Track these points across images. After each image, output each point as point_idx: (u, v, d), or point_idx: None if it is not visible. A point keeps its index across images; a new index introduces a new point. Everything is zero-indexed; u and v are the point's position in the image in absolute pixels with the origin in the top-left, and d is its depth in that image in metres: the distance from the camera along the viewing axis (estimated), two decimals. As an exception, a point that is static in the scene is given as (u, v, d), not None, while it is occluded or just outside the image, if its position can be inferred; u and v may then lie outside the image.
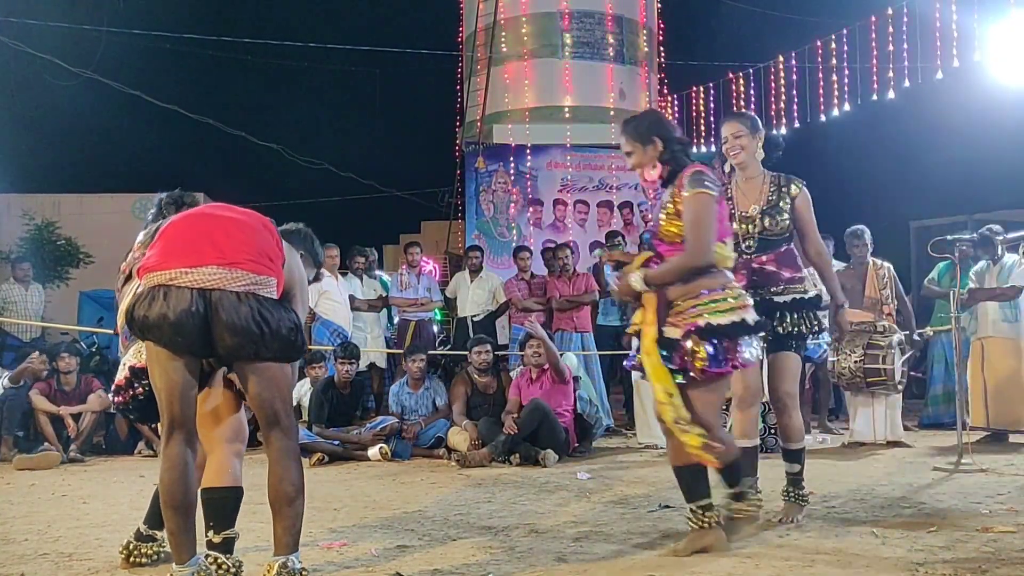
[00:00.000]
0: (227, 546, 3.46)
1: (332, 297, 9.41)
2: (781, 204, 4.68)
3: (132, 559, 3.89)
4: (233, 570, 3.45)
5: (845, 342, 7.58)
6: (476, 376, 7.85)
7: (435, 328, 11.17)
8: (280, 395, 3.34)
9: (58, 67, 15.43)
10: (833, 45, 13.42)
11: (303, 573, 3.38)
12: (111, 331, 10.45)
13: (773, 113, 14.98)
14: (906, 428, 8.26)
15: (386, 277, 10.86)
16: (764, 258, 4.67)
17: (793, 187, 4.71)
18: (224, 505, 3.48)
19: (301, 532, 3.45)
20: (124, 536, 4.37)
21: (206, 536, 3.47)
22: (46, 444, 7.61)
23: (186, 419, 3.30)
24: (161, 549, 3.92)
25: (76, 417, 7.98)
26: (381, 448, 7.49)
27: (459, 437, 7.43)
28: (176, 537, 3.31)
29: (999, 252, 7.85)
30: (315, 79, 23.32)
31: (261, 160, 20.02)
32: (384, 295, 10.09)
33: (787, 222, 4.66)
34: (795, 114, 14.55)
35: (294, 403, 8.02)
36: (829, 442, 8.18)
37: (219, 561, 3.39)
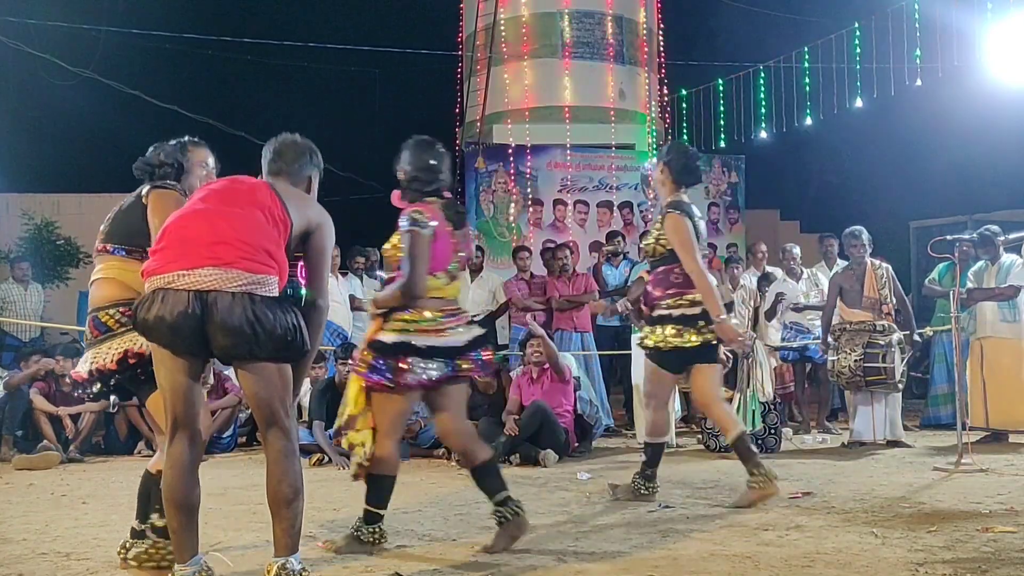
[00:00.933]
0: (166, 531, 3.60)
1: (332, 297, 9.28)
2: (653, 229, 5.42)
3: (131, 558, 3.89)
4: (170, 557, 3.57)
5: (844, 341, 7.59)
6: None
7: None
8: (277, 395, 3.31)
9: (57, 67, 15.43)
10: (833, 45, 13.42)
11: (303, 574, 3.36)
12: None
13: (773, 113, 14.99)
14: (906, 428, 8.26)
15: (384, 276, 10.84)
16: (650, 278, 5.41)
17: (666, 215, 5.29)
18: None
19: (301, 532, 3.42)
20: (123, 536, 4.38)
21: (149, 519, 3.71)
22: (45, 444, 7.60)
23: (189, 418, 3.31)
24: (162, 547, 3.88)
25: (75, 417, 7.97)
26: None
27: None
28: (178, 535, 3.31)
29: (998, 252, 7.85)
30: (315, 79, 23.30)
31: (260, 160, 19.99)
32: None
33: (652, 246, 5.34)
34: (795, 114, 14.55)
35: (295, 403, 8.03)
36: (829, 442, 8.18)
37: (157, 545, 3.68)
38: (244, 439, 8.76)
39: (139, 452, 8.12)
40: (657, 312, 5.25)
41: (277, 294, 3.32)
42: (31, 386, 8.04)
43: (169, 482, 3.30)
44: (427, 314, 4.06)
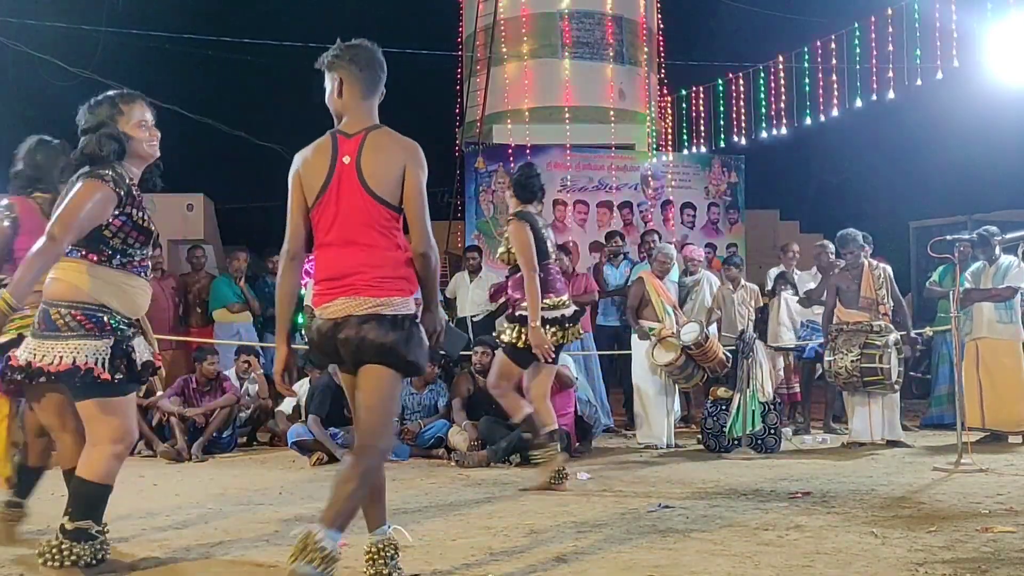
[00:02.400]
0: (77, 535, 3.57)
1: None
2: (502, 239, 6.04)
3: (65, 561, 3.57)
4: (72, 558, 3.53)
5: (842, 342, 7.59)
6: (478, 375, 7.84)
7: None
8: (382, 401, 3.45)
9: (57, 67, 15.41)
10: (833, 45, 13.41)
11: (335, 552, 3.25)
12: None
13: (773, 113, 14.98)
14: (906, 428, 8.26)
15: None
16: (510, 281, 6.05)
17: (509, 222, 5.93)
18: (88, 498, 3.64)
19: (351, 515, 3.37)
20: (123, 535, 4.40)
21: (62, 519, 3.60)
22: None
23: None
24: (99, 547, 3.67)
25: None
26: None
27: (459, 437, 7.42)
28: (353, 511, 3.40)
29: (996, 253, 7.85)
30: (315, 79, 23.30)
31: (261, 160, 20.00)
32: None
33: (505, 255, 5.95)
34: (794, 114, 14.55)
35: (293, 404, 8.02)
36: (829, 442, 8.18)
37: (62, 545, 3.54)
38: (244, 439, 8.74)
39: (139, 452, 8.11)
40: (518, 312, 5.87)
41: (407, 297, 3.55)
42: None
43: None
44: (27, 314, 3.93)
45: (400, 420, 7.92)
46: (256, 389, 8.76)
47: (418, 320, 3.50)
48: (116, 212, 3.62)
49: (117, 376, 3.60)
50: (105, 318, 3.62)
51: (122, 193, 3.63)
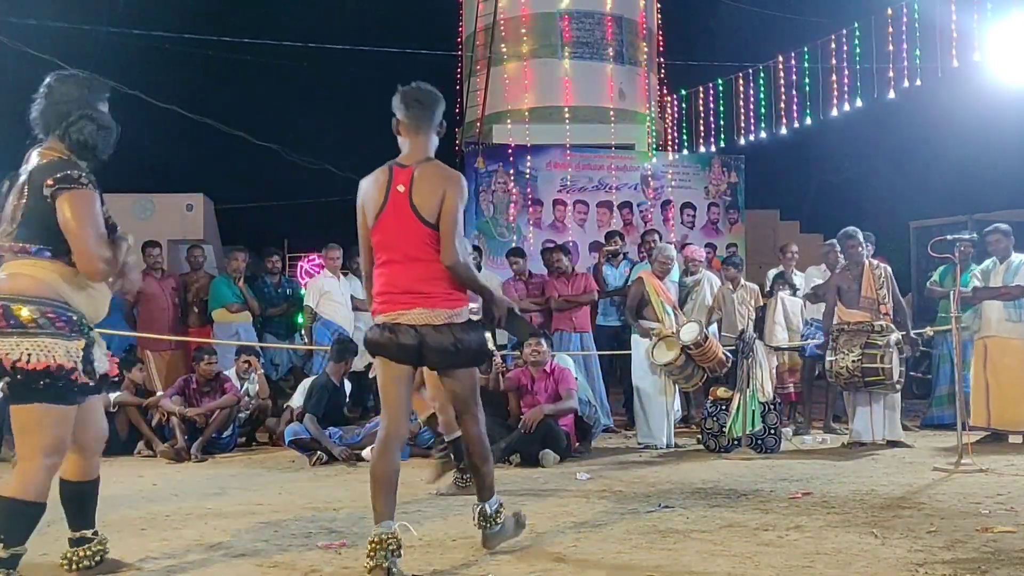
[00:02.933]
0: (12, 563, 3.42)
1: (333, 298, 9.41)
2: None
3: (75, 566, 3.74)
4: None
5: (843, 342, 7.58)
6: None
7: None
8: (470, 390, 4.09)
9: (57, 67, 15.38)
10: (833, 45, 13.41)
11: (498, 512, 4.05)
12: (111, 331, 10.46)
13: (773, 113, 14.98)
14: (906, 428, 8.25)
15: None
16: None
17: None
18: (23, 518, 3.45)
19: (494, 484, 4.10)
20: (122, 535, 4.39)
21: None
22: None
23: (400, 405, 4.06)
24: (100, 548, 3.80)
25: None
26: (373, 448, 7.47)
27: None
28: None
29: (1009, 251, 7.83)
30: (314, 79, 23.31)
31: (260, 160, 20.02)
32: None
33: None
34: (794, 114, 14.55)
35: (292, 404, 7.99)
36: (829, 442, 8.18)
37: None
38: (243, 439, 8.74)
39: (139, 452, 8.12)
40: None
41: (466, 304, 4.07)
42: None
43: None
44: None
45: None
46: (256, 389, 8.75)
47: (476, 321, 4.10)
48: None
49: (86, 382, 3.45)
50: (75, 318, 3.46)
51: (96, 188, 3.55)
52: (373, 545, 3.69)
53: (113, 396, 8.22)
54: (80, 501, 3.80)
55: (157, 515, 5.14)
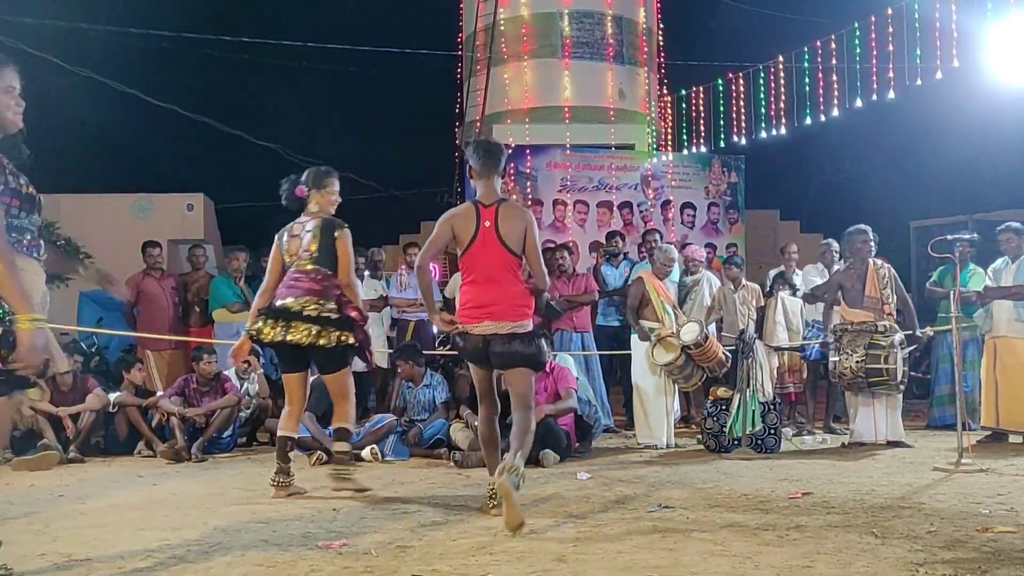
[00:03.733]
0: None
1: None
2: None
3: None
4: None
5: (846, 342, 7.57)
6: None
7: (435, 329, 11.15)
8: (528, 387, 4.98)
9: (56, 66, 15.40)
10: (833, 45, 13.42)
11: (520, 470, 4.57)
12: (111, 331, 10.46)
13: (773, 113, 14.99)
14: (905, 428, 8.24)
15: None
16: None
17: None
18: None
19: (527, 452, 4.84)
20: (121, 534, 4.39)
21: None
22: (45, 443, 7.58)
23: (488, 394, 5.16)
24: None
25: (74, 417, 7.96)
26: (372, 449, 7.48)
27: (461, 434, 7.41)
28: (491, 461, 5.10)
29: (1021, 250, 7.80)
30: (314, 79, 23.31)
31: (259, 160, 19.99)
32: (384, 295, 10.08)
33: None
34: (794, 114, 14.55)
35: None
36: (830, 442, 8.18)
37: None
38: (244, 439, 8.74)
39: (139, 452, 8.12)
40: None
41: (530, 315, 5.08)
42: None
43: (482, 432, 5.19)
44: None
45: (401, 414, 7.95)
46: (256, 389, 8.75)
47: (538, 332, 5.08)
48: None
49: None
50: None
51: None
52: (492, 490, 4.81)
53: (113, 396, 8.22)
54: None
55: (156, 515, 5.13)
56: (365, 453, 7.48)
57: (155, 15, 17.90)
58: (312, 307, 5.64)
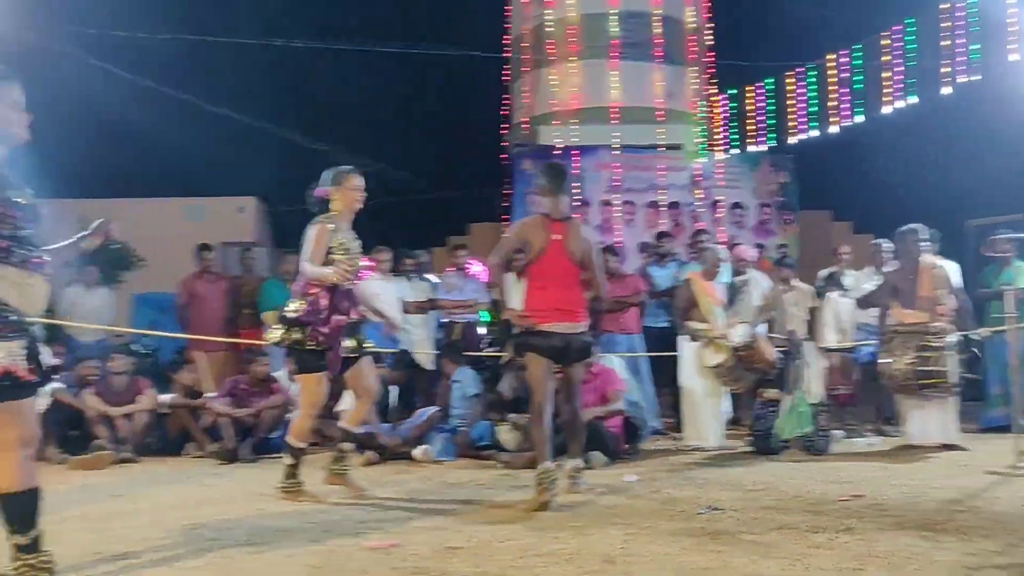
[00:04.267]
0: (35, 546, 3.53)
1: (382, 300, 9.45)
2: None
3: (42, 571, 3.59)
4: (46, 566, 3.53)
5: (897, 344, 7.44)
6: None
7: (481, 330, 11.18)
8: (581, 379, 5.92)
9: (114, 75, 15.72)
10: (887, 41, 13.19)
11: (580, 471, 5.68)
12: (163, 333, 10.65)
13: (825, 111, 14.77)
14: (963, 431, 8.08)
15: (434, 279, 10.90)
16: None
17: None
18: (23, 508, 3.53)
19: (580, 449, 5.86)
20: (172, 532, 4.47)
21: (12, 540, 3.49)
22: (99, 443, 7.75)
23: (544, 385, 5.66)
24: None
25: (128, 418, 8.12)
26: (425, 450, 7.53)
27: (509, 435, 7.42)
28: (541, 447, 5.50)
29: None
30: (364, 82, 23.50)
31: (310, 162, 20.19)
32: (432, 297, 10.13)
33: None
34: (847, 112, 14.32)
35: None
36: (881, 445, 8.04)
37: (28, 561, 3.50)
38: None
39: (189, 452, 8.25)
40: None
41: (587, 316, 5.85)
42: (83, 388, 8.20)
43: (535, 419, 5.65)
44: None
45: (448, 418, 7.99)
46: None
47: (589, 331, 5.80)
48: None
49: (34, 378, 3.48)
50: (12, 318, 3.46)
51: None
52: (540, 477, 5.21)
53: (164, 397, 8.37)
54: None
55: (208, 514, 5.21)
56: (417, 453, 7.52)
57: (210, 21, 18.18)
58: (288, 307, 5.74)
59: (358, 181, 5.92)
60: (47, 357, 3.66)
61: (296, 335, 5.61)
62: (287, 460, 5.78)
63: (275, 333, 5.73)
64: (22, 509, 3.53)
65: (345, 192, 5.87)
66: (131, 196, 18.39)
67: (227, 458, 7.74)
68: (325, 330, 5.59)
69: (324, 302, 5.62)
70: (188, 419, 8.27)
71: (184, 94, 16.83)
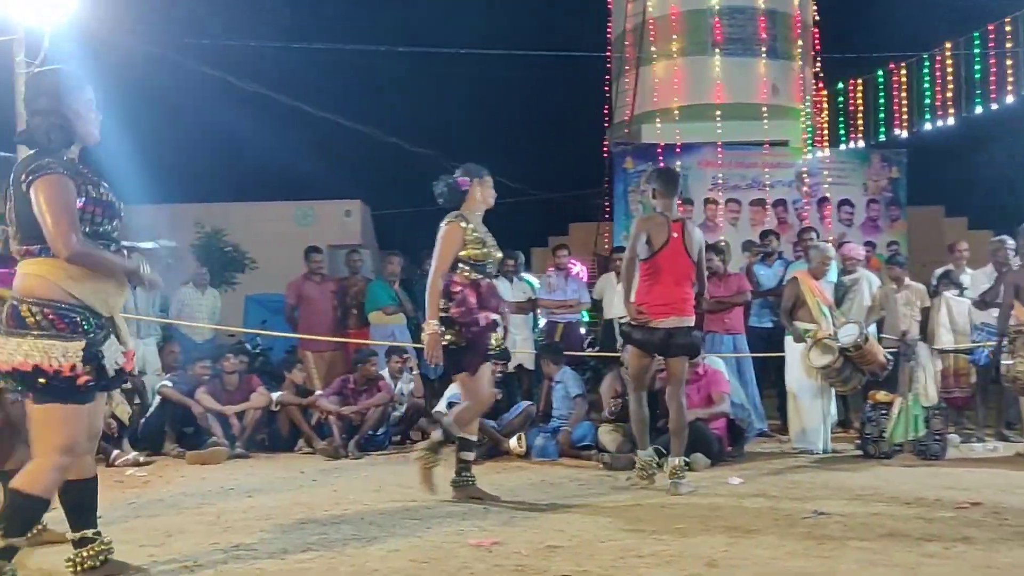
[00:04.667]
0: (8, 554, 3.45)
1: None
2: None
3: (79, 568, 3.68)
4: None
5: (1019, 344, 7.13)
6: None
7: (582, 330, 11.17)
8: (684, 373, 6.20)
9: (227, 83, 16.28)
10: (1008, 28, 12.64)
11: (682, 468, 5.88)
12: (274, 333, 10.97)
13: (939, 103, 14.25)
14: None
15: (534, 280, 10.94)
16: None
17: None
18: (28, 511, 3.49)
19: (683, 446, 6.01)
20: (283, 527, 4.60)
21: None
22: (215, 440, 8.03)
23: (643, 379, 6.31)
24: (103, 548, 3.73)
25: (240, 415, 8.39)
26: (518, 437, 7.61)
27: (608, 436, 7.39)
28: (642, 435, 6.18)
29: None
30: (465, 84, 23.75)
31: (413, 166, 20.52)
32: (533, 297, 10.17)
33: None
34: (962, 104, 13.79)
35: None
36: (1002, 450, 7.72)
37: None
38: (398, 438, 8.99)
39: (299, 449, 8.47)
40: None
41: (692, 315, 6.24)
42: (197, 387, 8.50)
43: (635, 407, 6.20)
44: None
45: (550, 418, 8.01)
46: (411, 388, 8.99)
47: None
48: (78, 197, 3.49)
49: (88, 381, 3.43)
50: (78, 319, 3.44)
51: (72, 175, 3.49)
52: (642, 464, 5.98)
53: (276, 395, 8.62)
54: (78, 500, 3.73)
55: (317, 509, 5.35)
56: (512, 444, 7.59)
57: (316, 29, 18.65)
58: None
59: (491, 179, 5.85)
60: (115, 361, 3.55)
61: (450, 335, 5.44)
62: (465, 456, 5.67)
63: (446, 335, 5.45)
64: (24, 512, 3.47)
65: (484, 186, 5.75)
66: (244, 200, 18.98)
67: (335, 455, 7.93)
68: (476, 328, 5.48)
69: (472, 299, 5.51)
70: (298, 416, 8.50)
71: (294, 101, 17.29)
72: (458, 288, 5.48)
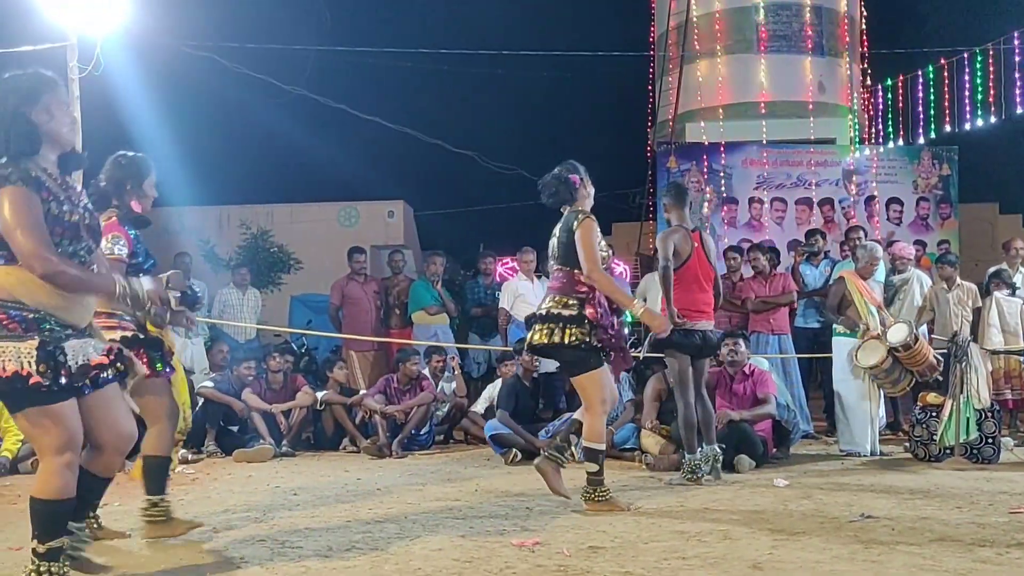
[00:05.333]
0: (53, 555, 3.41)
1: (527, 300, 9.54)
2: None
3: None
4: None
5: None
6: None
7: (626, 330, 11.11)
8: (707, 373, 6.69)
9: (272, 86, 16.47)
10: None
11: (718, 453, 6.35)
12: (318, 333, 11.06)
13: (992, 100, 13.98)
14: None
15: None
16: None
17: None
18: (51, 516, 3.43)
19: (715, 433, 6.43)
20: (328, 525, 4.63)
21: (32, 543, 3.42)
22: (261, 439, 8.12)
23: (689, 381, 6.40)
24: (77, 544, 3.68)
25: (286, 414, 8.48)
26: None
27: (650, 439, 7.35)
28: (691, 440, 6.32)
29: None
30: (507, 85, 23.80)
31: (456, 167, 20.62)
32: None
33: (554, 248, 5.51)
34: (1016, 99, 13.51)
35: (485, 402, 8.31)
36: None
37: (40, 569, 3.39)
38: (441, 437, 9.02)
39: (344, 448, 8.54)
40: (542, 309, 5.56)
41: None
42: (243, 386, 8.60)
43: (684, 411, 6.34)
44: None
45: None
46: (454, 387, 9.03)
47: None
48: None
49: (45, 381, 3.26)
50: (30, 316, 3.29)
51: (35, 188, 3.31)
52: (691, 466, 6.18)
53: (320, 394, 8.70)
54: (81, 491, 3.55)
55: (361, 508, 5.39)
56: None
57: (359, 32, 18.79)
58: (548, 304, 5.35)
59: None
60: (79, 357, 3.36)
61: (579, 333, 5.19)
62: (589, 468, 5.34)
63: (563, 332, 5.20)
64: (47, 517, 3.41)
65: (588, 183, 5.58)
66: (288, 202, 19.16)
67: (379, 454, 7.98)
68: (612, 331, 5.33)
69: (605, 300, 5.34)
70: (343, 415, 8.56)
71: (338, 104, 17.42)
72: (585, 288, 5.30)
